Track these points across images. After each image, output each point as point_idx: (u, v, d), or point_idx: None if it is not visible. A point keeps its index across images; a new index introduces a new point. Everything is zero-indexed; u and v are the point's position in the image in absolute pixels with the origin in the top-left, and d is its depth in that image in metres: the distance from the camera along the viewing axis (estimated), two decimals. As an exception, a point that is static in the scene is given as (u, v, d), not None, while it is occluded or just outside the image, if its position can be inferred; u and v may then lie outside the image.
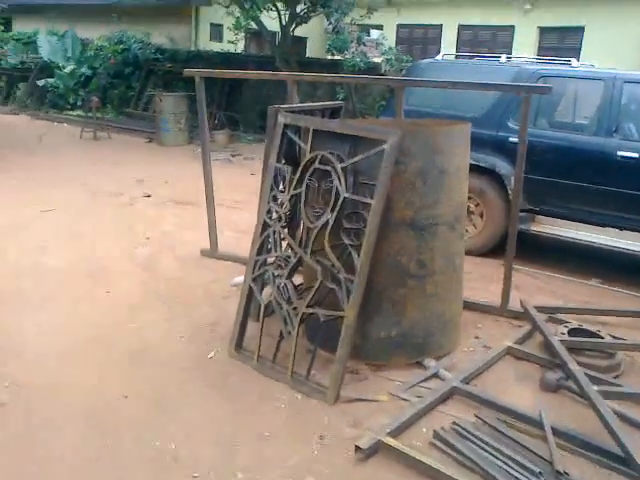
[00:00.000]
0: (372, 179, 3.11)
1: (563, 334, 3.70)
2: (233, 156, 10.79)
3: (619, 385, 3.25)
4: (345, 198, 3.10)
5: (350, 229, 3.12)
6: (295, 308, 3.28)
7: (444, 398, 3.15)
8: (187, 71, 4.67)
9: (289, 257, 3.33)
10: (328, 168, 3.17)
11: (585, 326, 3.85)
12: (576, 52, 11.90)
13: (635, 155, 4.90)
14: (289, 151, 3.57)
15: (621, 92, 5.01)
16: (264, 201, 3.46)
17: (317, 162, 3.22)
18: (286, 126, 3.43)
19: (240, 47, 13.83)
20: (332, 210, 3.13)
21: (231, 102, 13.40)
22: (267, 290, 3.57)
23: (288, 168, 3.38)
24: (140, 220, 6.36)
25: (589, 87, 5.29)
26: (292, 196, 3.33)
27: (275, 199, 3.42)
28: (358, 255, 3.07)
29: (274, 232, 3.39)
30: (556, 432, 2.84)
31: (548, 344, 3.64)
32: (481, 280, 4.97)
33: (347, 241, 3.11)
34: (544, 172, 5.23)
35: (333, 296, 3.18)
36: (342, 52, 11.83)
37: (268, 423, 2.93)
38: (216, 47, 14.69)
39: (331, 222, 3.13)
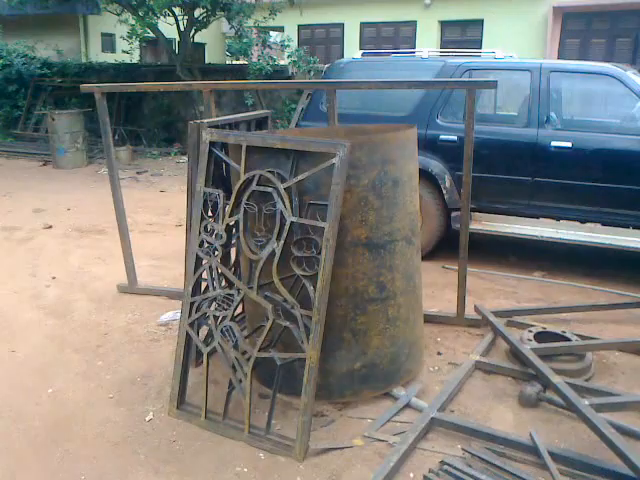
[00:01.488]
0: (321, 198, 2.72)
1: (530, 340, 3.47)
2: (139, 174, 10.07)
3: (606, 392, 3.04)
4: (292, 223, 2.69)
5: (301, 257, 2.71)
6: (244, 353, 2.83)
7: (424, 433, 2.81)
8: (85, 86, 4.07)
9: (231, 295, 2.87)
10: (269, 189, 2.74)
11: (549, 328, 3.65)
12: (477, 44, 12.10)
13: (568, 144, 4.80)
14: (217, 172, 3.12)
15: (549, 82, 4.91)
16: (194, 233, 2.98)
17: (254, 183, 2.78)
18: (212, 144, 2.97)
19: (135, 57, 13.03)
20: (278, 237, 2.71)
21: (130, 116, 12.59)
22: (204, 329, 3.11)
23: (219, 193, 2.92)
24: (42, 257, 5.62)
25: (516, 78, 5.16)
26: (228, 225, 2.88)
27: (207, 229, 2.95)
28: (313, 287, 2.66)
29: (210, 268, 2.92)
30: (553, 456, 2.57)
31: (516, 352, 3.41)
32: (427, 287, 4.70)
33: (299, 272, 2.70)
34: (478, 168, 5.01)
35: (288, 334, 2.76)
36: (245, 56, 11.35)
37: (231, 497, 2.48)
38: (109, 58, 13.76)
39: (278, 251, 2.70)
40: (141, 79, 11.81)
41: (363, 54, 6.12)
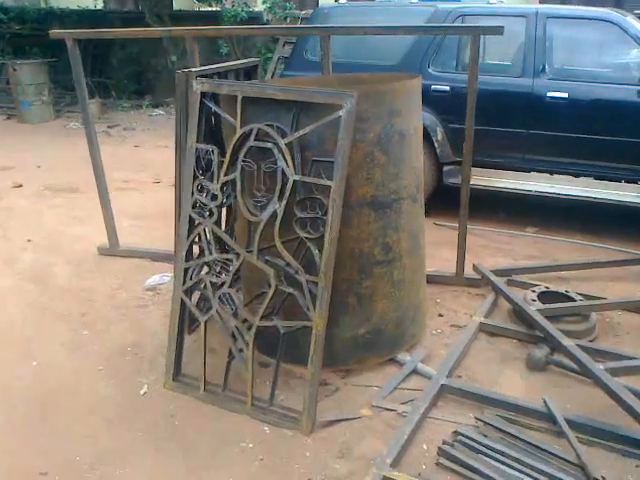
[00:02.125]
0: (324, 154, 2.51)
1: (534, 301, 3.37)
2: (110, 127, 9.65)
3: (616, 354, 2.96)
4: (295, 181, 2.47)
5: (305, 219, 2.51)
6: (245, 321, 2.65)
7: (435, 401, 2.70)
8: (55, 32, 3.71)
9: (229, 260, 2.67)
10: (268, 145, 2.51)
11: (552, 288, 3.55)
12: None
13: (565, 95, 4.63)
14: (207, 126, 2.87)
15: (545, 28, 4.69)
16: (186, 193, 2.74)
17: (252, 138, 2.55)
18: (204, 95, 2.71)
19: (99, 3, 12.32)
20: (280, 197, 2.50)
21: (98, 67, 11.98)
22: (196, 295, 2.93)
23: (214, 149, 2.68)
24: (15, 218, 5.31)
25: (511, 25, 4.89)
26: (224, 184, 2.65)
27: (201, 189, 2.72)
28: (319, 250, 2.48)
29: (205, 231, 2.71)
30: (569, 423, 2.48)
31: (522, 314, 3.30)
32: (422, 245, 4.56)
33: (303, 234, 2.51)
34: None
35: (291, 301, 2.59)
36: (217, 2, 10.79)
37: (238, 474, 2.34)
38: (71, 4, 12.97)
39: (280, 212, 2.50)
40: (107, 27, 11.13)
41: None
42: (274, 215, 2.52)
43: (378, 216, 2.74)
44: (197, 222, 2.75)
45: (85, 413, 2.67)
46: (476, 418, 2.59)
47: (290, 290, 2.55)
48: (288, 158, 2.48)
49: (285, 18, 10.39)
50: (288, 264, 2.55)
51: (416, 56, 5.10)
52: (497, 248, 4.56)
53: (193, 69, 2.93)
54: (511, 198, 5.23)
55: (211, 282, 2.70)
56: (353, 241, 2.72)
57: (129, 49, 12.01)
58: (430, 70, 5.03)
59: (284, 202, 2.49)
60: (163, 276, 4.05)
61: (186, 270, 2.76)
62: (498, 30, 3.12)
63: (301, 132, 2.45)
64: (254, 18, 10.63)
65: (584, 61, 4.89)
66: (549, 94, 4.66)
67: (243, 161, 2.57)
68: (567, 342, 2.85)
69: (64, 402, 2.75)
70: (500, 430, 2.50)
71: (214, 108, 2.71)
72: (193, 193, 2.72)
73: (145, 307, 3.66)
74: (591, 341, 3.23)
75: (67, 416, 2.66)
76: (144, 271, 4.17)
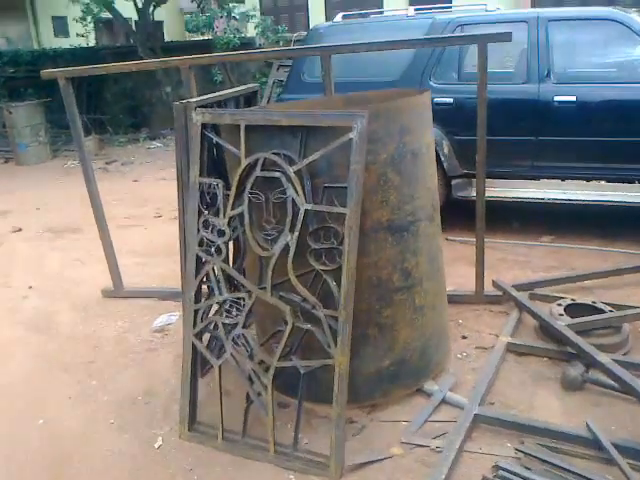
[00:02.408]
0: (335, 180, 2.38)
1: (562, 315, 3.20)
2: (108, 164, 9.57)
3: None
4: (307, 211, 2.33)
5: (319, 250, 2.36)
6: (261, 362, 2.49)
7: (470, 433, 2.52)
8: (46, 72, 3.61)
9: (241, 299, 2.52)
10: (276, 174, 2.38)
11: (578, 300, 3.39)
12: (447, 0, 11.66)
13: (573, 99, 4.50)
14: (209, 158, 2.74)
15: (547, 32, 4.58)
16: (191, 230, 2.60)
17: (258, 168, 2.41)
18: (205, 126, 2.58)
19: (91, 40, 12.33)
20: (291, 229, 2.36)
21: (93, 103, 11.95)
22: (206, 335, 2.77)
23: (218, 183, 2.54)
24: (15, 263, 5.18)
25: (512, 31, 4.81)
26: (231, 218, 2.51)
27: (207, 225, 2.58)
28: (336, 283, 2.33)
29: (214, 270, 2.56)
30: (618, 449, 2.30)
31: (550, 330, 3.14)
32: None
33: (318, 266, 2.36)
34: (476, 132, 4.73)
35: (309, 338, 2.43)
36: (210, 30, 10.77)
37: (266, 532, 2.16)
38: (63, 43, 13.01)
39: (293, 245, 2.35)
40: (99, 63, 11.13)
41: (343, 16, 5.70)
42: (286, 248, 2.37)
43: (395, 240, 2.59)
44: (204, 260, 2.60)
45: (99, 474, 2.50)
46: (516, 449, 2.41)
47: (308, 326, 2.40)
48: (298, 187, 2.34)
49: (277, 42, 10.37)
50: (304, 299, 2.39)
51: (416, 70, 5.00)
52: (514, 261, 4.41)
53: (192, 99, 2.81)
54: (522, 208, 5.09)
55: (223, 323, 2.54)
56: (370, 269, 2.57)
57: (123, 84, 12.00)
58: (432, 83, 4.93)
59: (296, 234, 2.34)
60: (171, 315, 3.89)
61: (196, 312, 2.61)
62: (506, 37, 3.00)
63: (310, 158, 2.32)
64: (246, 44, 10.60)
65: (590, 62, 4.78)
66: (556, 98, 4.54)
67: (250, 193, 2.44)
68: (603, 358, 2.68)
69: (76, 464, 2.57)
70: (543, 461, 2.32)
71: (216, 139, 2.58)
72: (199, 230, 2.58)
73: (154, 350, 3.49)
74: (625, 354, 3.06)
75: (81, 475, 2.49)
76: (151, 311, 4.02)
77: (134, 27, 11.40)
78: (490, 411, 2.61)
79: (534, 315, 3.26)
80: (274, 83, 11.66)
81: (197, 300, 2.62)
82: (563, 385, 2.83)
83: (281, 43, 10.39)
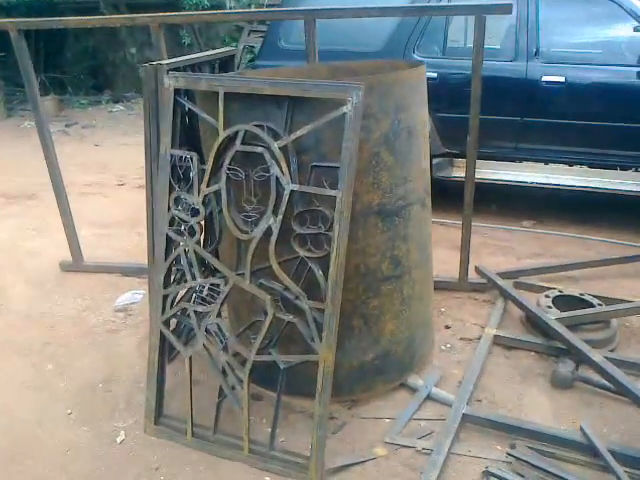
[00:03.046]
0: (323, 158, 2.15)
1: (550, 307, 3.07)
2: (68, 126, 9.08)
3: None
4: (292, 192, 2.10)
5: (305, 235, 2.14)
6: (236, 355, 2.28)
7: (457, 434, 2.37)
8: (-3, 23, 3.24)
9: (216, 285, 2.29)
10: (258, 149, 2.13)
11: (566, 291, 3.26)
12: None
13: (562, 79, 4.33)
14: (183, 128, 2.46)
15: (537, 7, 4.38)
16: (161, 208, 2.34)
17: (239, 142, 2.16)
18: (178, 92, 2.31)
19: (50, -7, 11.59)
20: (275, 211, 2.12)
21: (51, 61, 11.31)
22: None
23: (192, 156, 2.28)
24: (-36, 231, 4.81)
25: (502, 4, 4.60)
26: (206, 196, 2.26)
27: (179, 202, 2.32)
28: (323, 272, 2.11)
29: (186, 252, 2.31)
30: (616, 456, 2.18)
31: (535, 321, 3.01)
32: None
33: (303, 253, 2.14)
34: (459, 109, 4.51)
35: (290, 329, 2.22)
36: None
37: None
38: (20, -5, 12.21)
39: (276, 229, 2.12)
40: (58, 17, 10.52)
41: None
42: (268, 231, 2.14)
43: (386, 226, 2.38)
44: (175, 241, 2.35)
45: (54, 472, 2.26)
46: (508, 454, 2.27)
47: (290, 318, 2.19)
48: (283, 164, 2.10)
49: (249, 5, 9.92)
50: (286, 288, 2.17)
51: (400, 41, 4.75)
52: (496, 246, 4.26)
53: (163, 62, 2.52)
54: (502, 190, 4.93)
55: (195, 311, 2.31)
56: (358, 256, 2.36)
57: (84, 42, 11.39)
58: (415, 56, 4.69)
59: (280, 217, 2.11)
60: (135, 293, 3.63)
61: (165, 297, 2.37)
62: (506, 9, 2.78)
63: (298, 133, 2.07)
64: (216, 6, 10.10)
65: (581, 42, 4.60)
66: (544, 78, 4.37)
67: (229, 169, 2.18)
68: (597, 357, 2.55)
69: (27, 460, 2.34)
70: (536, 467, 2.19)
71: (191, 107, 2.31)
72: (170, 208, 2.32)
73: (117, 332, 3.24)
74: (612, 350, 2.95)
75: (31, 476, 2.25)
76: (114, 288, 3.75)
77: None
78: (480, 411, 2.46)
79: (522, 307, 3.12)
80: (244, 49, 11.23)
81: (166, 284, 2.38)
82: (553, 383, 2.70)
83: (253, 7, 9.94)
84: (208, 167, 2.22)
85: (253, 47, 10.71)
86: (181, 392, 2.64)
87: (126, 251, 4.37)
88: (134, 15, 3.16)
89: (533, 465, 2.19)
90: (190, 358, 2.35)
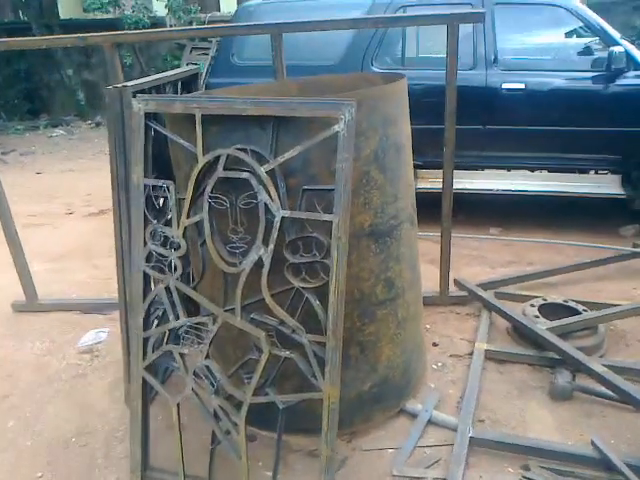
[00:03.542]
0: (312, 180, 2.01)
1: (538, 317, 3.02)
2: (5, 154, 8.62)
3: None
4: (283, 218, 1.95)
5: (299, 264, 1.99)
6: (229, 397, 2.10)
7: (467, 460, 2.26)
8: None
9: (202, 325, 2.10)
10: (243, 175, 1.97)
11: (551, 299, 3.22)
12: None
13: (521, 86, 4.35)
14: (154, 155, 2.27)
15: (493, 16, 4.39)
16: (137, 243, 2.14)
17: (220, 167, 1.99)
18: (148, 117, 2.12)
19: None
20: (265, 240, 1.96)
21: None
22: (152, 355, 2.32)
23: (168, 185, 2.10)
24: None
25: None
26: (186, 228, 2.08)
27: (155, 236, 2.13)
28: (320, 302, 1.96)
29: (168, 290, 2.12)
30: (632, 469, 2.11)
31: (524, 332, 2.95)
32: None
33: (298, 283, 1.98)
34: (422, 120, 4.46)
35: (284, 366, 2.06)
36: (117, 7, 9.91)
37: None
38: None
39: (267, 259, 1.96)
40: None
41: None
42: (259, 262, 1.97)
43: (379, 248, 2.26)
44: (155, 280, 2.15)
45: None
46: (523, 477, 2.17)
47: (287, 354, 2.02)
48: (271, 190, 1.94)
49: (190, 22, 9.72)
50: (282, 322, 2.01)
51: (357, 54, 4.68)
52: (468, 255, 4.22)
53: (128, 84, 2.32)
54: (466, 199, 4.92)
55: (180, 355, 2.11)
56: (352, 281, 2.22)
57: (15, 65, 10.88)
58: (374, 68, 4.63)
59: (271, 246, 1.95)
60: (99, 332, 3.38)
61: (145, 341, 2.16)
62: (479, 17, 2.73)
63: (287, 155, 1.93)
64: (156, 24, 9.86)
65: (537, 49, 4.65)
66: (504, 86, 4.38)
67: (211, 197, 2.01)
68: (599, 367, 2.50)
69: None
70: (554, 490, 2.10)
71: (164, 132, 2.13)
72: (146, 242, 2.13)
73: (83, 377, 2.99)
74: (602, 356, 2.92)
75: None
76: (74, 328, 3.48)
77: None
78: (487, 434, 2.36)
79: (509, 319, 3.05)
80: (187, 65, 11.00)
81: (146, 327, 2.17)
82: (552, 395, 2.64)
83: (194, 24, 9.74)
84: (188, 196, 2.04)
85: (196, 64, 10.49)
86: (164, 438, 2.45)
87: (83, 285, 4.10)
88: (86, 35, 2.94)
89: (550, 488, 2.10)
90: (178, 405, 2.15)
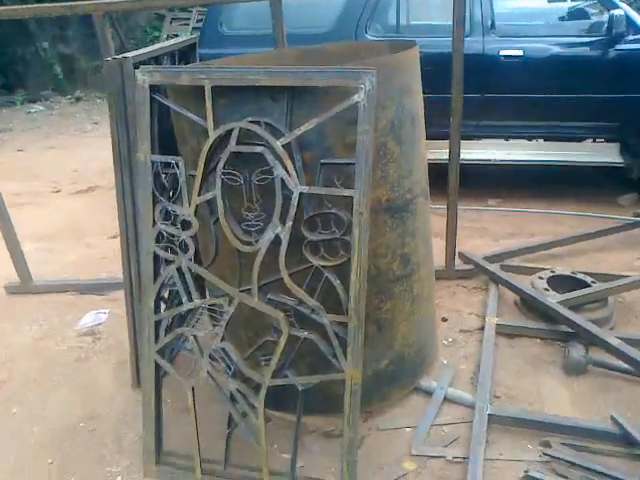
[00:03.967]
0: (327, 153, 1.93)
1: (547, 290, 2.98)
2: (-17, 131, 8.34)
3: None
4: (301, 194, 1.86)
5: (317, 242, 1.91)
6: (246, 380, 2.03)
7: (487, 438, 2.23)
8: None
9: (217, 306, 2.02)
10: (257, 149, 1.87)
11: (559, 271, 3.19)
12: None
13: (519, 53, 4.27)
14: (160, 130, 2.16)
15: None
16: (145, 222, 2.04)
17: (233, 142, 1.89)
18: (153, 89, 2.00)
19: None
20: (282, 218, 1.88)
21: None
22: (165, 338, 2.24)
23: (178, 161, 1.99)
24: None
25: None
26: (199, 206, 1.98)
27: (167, 216, 2.03)
28: (340, 280, 1.90)
29: (180, 271, 2.03)
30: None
31: (534, 305, 2.92)
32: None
33: (317, 261, 1.91)
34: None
35: (308, 347, 2.00)
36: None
37: None
38: None
39: (285, 237, 1.88)
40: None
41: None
42: (277, 241, 1.89)
43: (395, 222, 2.19)
44: (166, 261, 2.06)
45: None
46: (543, 453, 2.15)
47: (306, 335, 1.96)
48: (288, 164, 1.85)
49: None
50: (301, 302, 1.94)
51: (350, 21, 4.55)
52: (469, 228, 4.16)
53: (128, 54, 2.20)
54: (466, 169, 4.85)
55: (194, 337, 2.04)
56: (369, 257, 2.13)
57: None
58: (368, 36, 4.51)
59: (289, 223, 1.87)
60: (99, 313, 3.29)
61: (157, 324, 2.08)
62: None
63: (303, 128, 1.83)
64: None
65: (534, 14, 4.56)
66: (502, 52, 4.29)
67: (224, 173, 1.92)
68: (614, 340, 2.47)
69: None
70: (577, 465, 2.07)
71: (173, 107, 2.01)
72: (155, 222, 2.03)
73: (86, 360, 2.90)
74: (612, 328, 2.90)
75: None
76: (71, 309, 3.39)
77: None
78: (505, 410, 2.33)
79: (519, 292, 3.02)
80: (168, 38, 10.71)
81: (157, 309, 2.09)
82: (565, 370, 2.61)
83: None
84: (199, 173, 1.94)
85: (177, 35, 10.22)
86: (174, 422, 2.38)
87: (76, 265, 3.99)
88: (74, 3, 2.78)
89: (573, 463, 2.08)
90: (193, 389, 2.08)
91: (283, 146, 1.85)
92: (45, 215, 5.04)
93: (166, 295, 2.34)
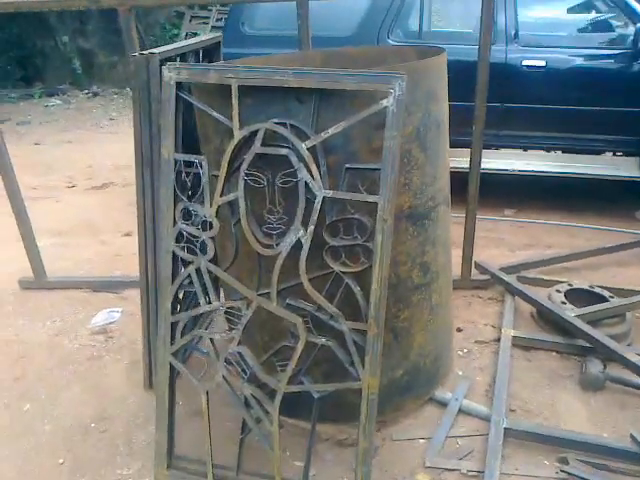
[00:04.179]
0: (352, 158, 1.90)
1: (565, 303, 2.94)
2: (0, 123, 8.36)
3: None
4: (325, 198, 1.83)
5: (339, 248, 1.88)
6: (261, 386, 2.01)
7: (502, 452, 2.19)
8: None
9: (235, 309, 2.00)
10: (282, 151, 1.85)
11: (576, 285, 3.14)
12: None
13: (542, 63, 4.23)
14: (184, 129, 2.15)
15: (514, -13, 4.25)
16: (165, 221, 2.03)
17: (258, 143, 1.87)
18: (180, 86, 1.99)
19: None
20: (304, 222, 1.85)
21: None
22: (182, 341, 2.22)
23: (202, 160, 1.98)
24: None
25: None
26: (220, 207, 1.96)
27: (188, 216, 2.01)
28: (360, 287, 1.87)
29: (198, 272, 2.01)
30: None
31: (548, 317, 2.89)
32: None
33: (338, 267, 1.88)
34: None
35: (324, 354, 1.97)
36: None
37: None
38: None
39: (307, 242, 1.86)
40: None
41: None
42: (297, 245, 1.87)
43: (417, 230, 2.16)
44: (185, 262, 2.04)
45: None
46: (561, 470, 2.11)
47: (323, 341, 1.93)
48: (313, 168, 1.83)
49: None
50: (319, 308, 1.92)
51: (372, 25, 4.53)
52: (485, 237, 4.12)
53: (155, 50, 2.18)
54: (483, 179, 4.81)
55: (211, 340, 2.02)
56: (390, 265, 2.12)
57: (8, 30, 10.54)
58: (390, 41, 4.48)
59: (311, 227, 1.84)
60: (111, 312, 3.28)
61: (174, 325, 2.06)
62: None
63: (330, 131, 1.81)
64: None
65: (558, 24, 4.52)
66: (525, 62, 4.25)
67: (247, 174, 1.89)
68: (632, 356, 2.43)
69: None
70: (594, 483, 2.03)
71: (198, 105, 2.00)
72: (176, 222, 2.01)
73: (99, 359, 2.89)
74: (629, 344, 2.85)
75: None
76: (85, 307, 3.37)
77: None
78: (522, 424, 2.29)
79: (536, 304, 2.98)
80: (187, 35, 10.75)
81: (174, 310, 2.07)
82: (583, 385, 2.57)
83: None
84: (222, 173, 1.92)
85: (196, 34, 10.25)
86: (186, 425, 2.36)
87: (91, 262, 3.98)
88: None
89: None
90: (207, 393, 2.05)
91: (308, 149, 1.83)
92: (60, 210, 5.05)
93: (181, 296, 2.32)
